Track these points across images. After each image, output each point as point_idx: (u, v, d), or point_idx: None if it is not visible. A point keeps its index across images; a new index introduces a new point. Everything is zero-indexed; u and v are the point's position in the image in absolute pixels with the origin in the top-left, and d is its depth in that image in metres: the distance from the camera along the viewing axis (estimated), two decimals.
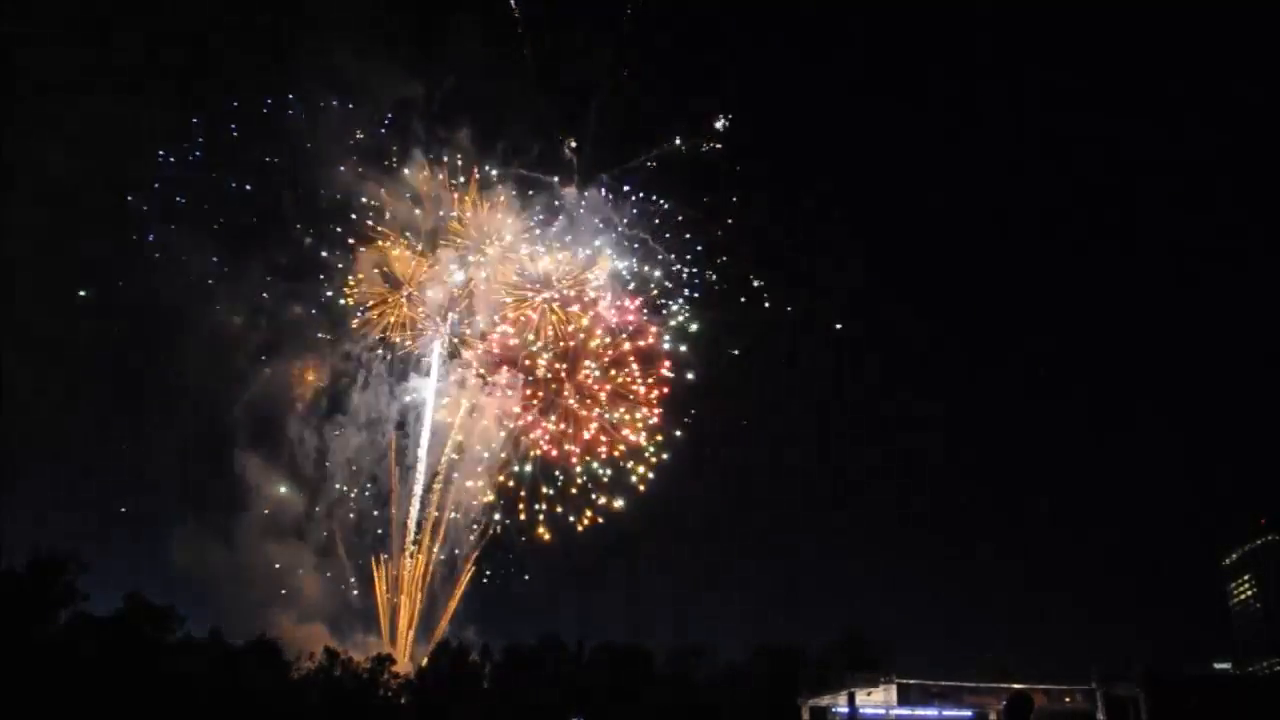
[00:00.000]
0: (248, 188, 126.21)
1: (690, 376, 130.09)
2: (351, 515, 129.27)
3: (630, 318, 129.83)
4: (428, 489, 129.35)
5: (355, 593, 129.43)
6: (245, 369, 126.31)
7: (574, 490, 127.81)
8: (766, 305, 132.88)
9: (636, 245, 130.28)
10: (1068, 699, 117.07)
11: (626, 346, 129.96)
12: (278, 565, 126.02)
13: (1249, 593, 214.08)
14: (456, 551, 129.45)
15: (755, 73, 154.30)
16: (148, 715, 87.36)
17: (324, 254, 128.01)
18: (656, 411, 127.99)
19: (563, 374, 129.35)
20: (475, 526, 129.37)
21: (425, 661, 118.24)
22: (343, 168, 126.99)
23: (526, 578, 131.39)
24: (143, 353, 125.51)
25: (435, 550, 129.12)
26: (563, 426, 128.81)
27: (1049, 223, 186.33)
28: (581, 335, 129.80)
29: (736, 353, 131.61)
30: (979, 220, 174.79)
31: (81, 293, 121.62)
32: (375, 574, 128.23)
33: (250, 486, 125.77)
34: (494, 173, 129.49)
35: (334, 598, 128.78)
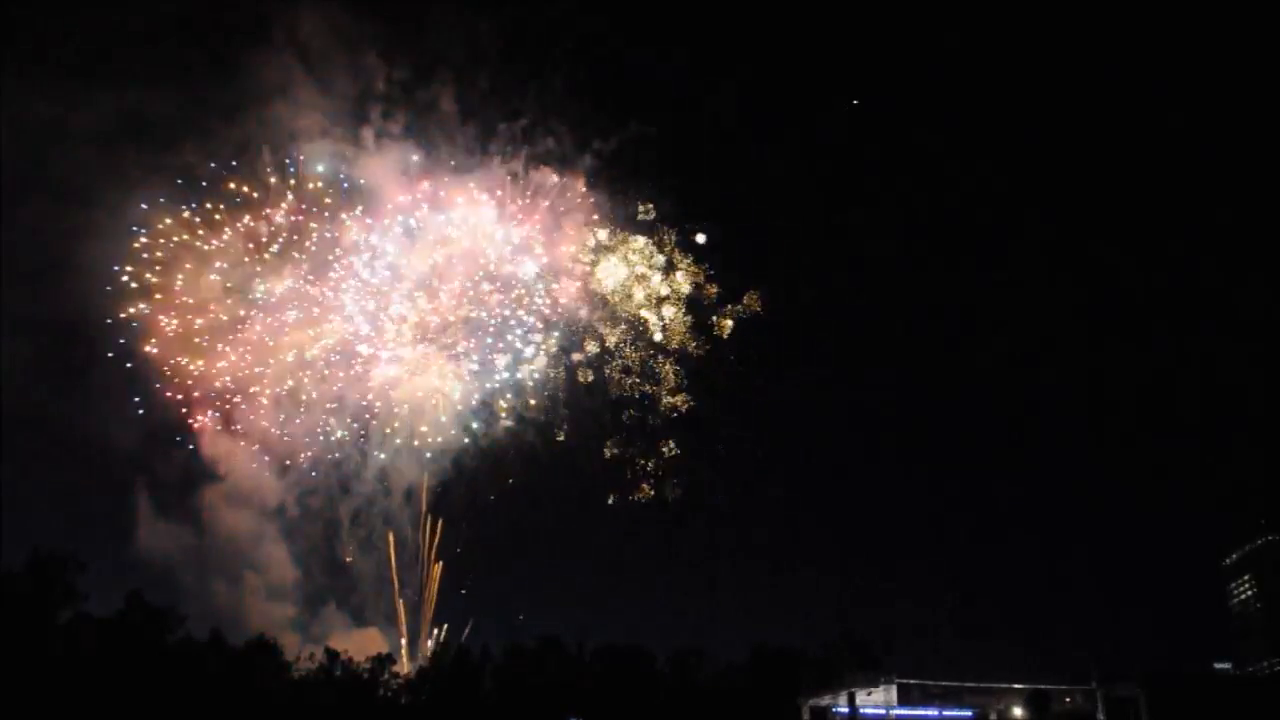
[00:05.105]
0: (233, 163, 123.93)
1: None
2: (317, 492, 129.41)
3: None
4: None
5: (321, 567, 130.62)
6: (214, 343, 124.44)
7: None
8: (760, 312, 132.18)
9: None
10: (1068, 699, 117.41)
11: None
12: (244, 541, 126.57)
13: (1249, 593, 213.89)
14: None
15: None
16: (149, 715, 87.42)
17: (306, 232, 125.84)
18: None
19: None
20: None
21: (427, 661, 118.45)
22: (317, 142, 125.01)
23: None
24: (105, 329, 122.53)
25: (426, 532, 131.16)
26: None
27: (1051, 220, 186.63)
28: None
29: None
30: (988, 216, 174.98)
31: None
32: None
33: (216, 462, 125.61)
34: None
35: (303, 574, 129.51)
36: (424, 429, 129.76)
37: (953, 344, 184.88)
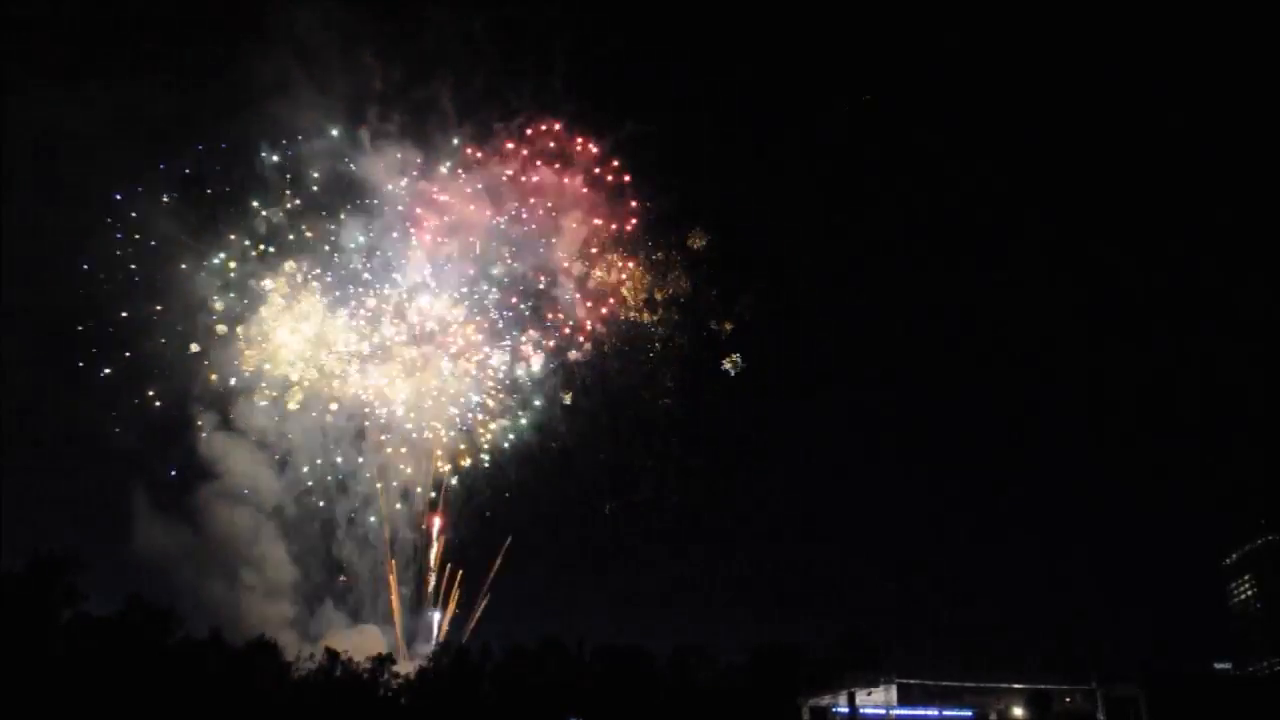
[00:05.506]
0: (231, 160, 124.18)
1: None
2: (315, 493, 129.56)
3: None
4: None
5: (319, 566, 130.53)
6: (211, 342, 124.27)
7: None
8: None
9: None
10: (1068, 699, 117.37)
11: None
12: (242, 539, 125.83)
13: (1249, 593, 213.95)
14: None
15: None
16: (150, 715, 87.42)
17: (302, 230, 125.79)
18: None
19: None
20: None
21: (427, 661, 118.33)
22: (315, 140, 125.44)
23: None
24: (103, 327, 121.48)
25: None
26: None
27: (1051, 220, 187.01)
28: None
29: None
30: (988, 216, 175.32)
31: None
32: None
33: (213, 461, 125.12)
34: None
35: (301, 573, 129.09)
36: (422, 429, 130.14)
37: (953, 344, 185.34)
